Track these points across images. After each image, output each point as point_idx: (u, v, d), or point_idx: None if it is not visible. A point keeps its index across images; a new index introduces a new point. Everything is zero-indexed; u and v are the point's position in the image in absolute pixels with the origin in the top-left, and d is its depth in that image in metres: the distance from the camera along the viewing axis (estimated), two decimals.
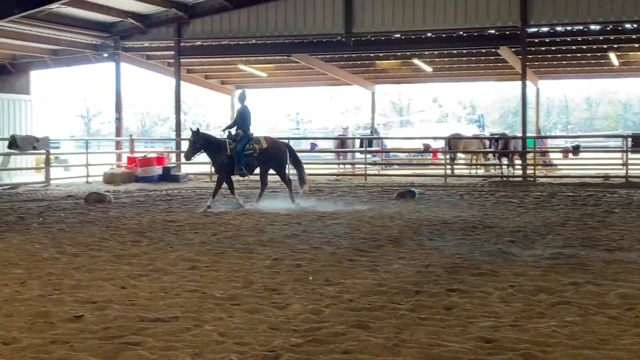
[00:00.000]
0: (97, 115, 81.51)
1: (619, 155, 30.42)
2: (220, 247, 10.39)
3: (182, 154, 21.81)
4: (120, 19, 27.68)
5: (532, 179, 24.45)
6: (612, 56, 29.88)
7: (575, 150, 30.71)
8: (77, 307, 6.80)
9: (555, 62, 32.69)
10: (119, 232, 12.17)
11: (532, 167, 26.25)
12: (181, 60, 28.93)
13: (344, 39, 26.35)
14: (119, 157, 29.05)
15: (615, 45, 28.19)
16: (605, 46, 28.27)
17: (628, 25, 25.10)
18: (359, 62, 33.23)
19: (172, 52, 28.73)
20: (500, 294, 7.24)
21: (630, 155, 26.33)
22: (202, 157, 17.53)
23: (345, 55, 30.36)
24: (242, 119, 16.59)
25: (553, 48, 28.84)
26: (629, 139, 26.74)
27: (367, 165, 28.65)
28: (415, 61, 31.20)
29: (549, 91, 70.19)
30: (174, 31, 27.97)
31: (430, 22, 25.43)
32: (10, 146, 23.10)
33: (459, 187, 22.13)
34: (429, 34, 26.45)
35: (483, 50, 28.88)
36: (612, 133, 58.22)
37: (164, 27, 28.22)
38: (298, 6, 26.44)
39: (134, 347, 5.59)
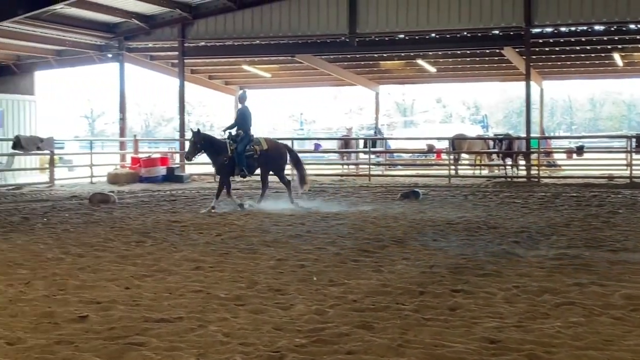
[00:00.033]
0: (101, 116, 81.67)
1: (623, 155, 30.35)
2: (224, 248, 10.39)
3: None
4: (124, 20, 27.72)
5: (536, 180, 24.42)
6: (616, 56, 29.85)
7: (579, 150, 30.66)
8: (81, 308, 6.81)
9: (559, 63, 32.67)
10: (123, 232, 12.18)
11: (536, 167, 26.23)
12: (185, 60, 28.97)
13: (348, 40, 26.36)
14: (123, 158, 29.10)
15: (620, 46, 28.16)
16: (609, 46, 28.24)
17: (632, 26, 25.06)
18: (362, 63, 33.24)
19: (176, 53, 28.76)
20: (505, 295, 7.23)
21: (635, 156, 26.29)
22: (206, 157, 17.51)
23: (349, 56, 30.38)
24: (242, 120, 16.59)
25: (557, 48, 28.81)
26: (633, 140, 26.72)
27: (371, 166, 28.62)
28: (419, 61, 31.21)
29: (552, 91, 70.06)
30: (178, 32, 28.02)
31: (434, 22, 25.44)
32: (14, 147, 23.14)
33: (463, 187, 22.11)
34: (433, 35, 26.45)
35: (487, 51, 28.88)
36: (616, 133, 58.15)
37: (168, 28, 28.26)
38: (302, 7, 26.46)
39: (139, 347, 5.60)
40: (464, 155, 30.28)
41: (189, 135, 19.10)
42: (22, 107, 29.53)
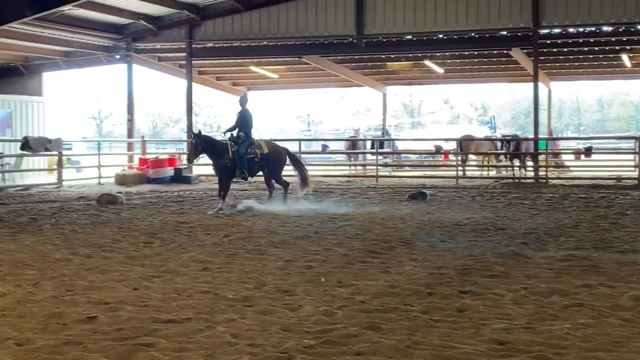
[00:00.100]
0: (109, 117, 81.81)
1: (631, 157, 30.33)
2: (232, 249, 10.40)
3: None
4: (132, 21, 27.76)
5: (544, 181, 24.36)
6: (625, 57, 29.78)
7: (588, 151, 30.60)
8: (90, 308, 6.82)
9: (567, 64, 32.58)
10: (131, 233, 12.20)
11: (544, 168, 26.17)
12: (193, 61, 28.98)
13: (355, 41, 26.34)
14: (130, 159, 29.14)
15: (628, 47, 28.08)
16: (617, 47, 28.17)
17: None
18: (370, 64, 33.23)
19: (184, 54, 28.77)
20: (513, 296, 7.22)
21: None
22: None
23: (356, 57, 30.38)
24: (243, 122, 16.62)
25: (565, 49, 28.73)
26: None
27: (379, 167, 28.62)
28: (427, 62, 31.16)
29: (560, 92, 69.96)
30: (185, 33, 28.05)
31: (442, 23, 25.40)
32: (22, 147, 23.19)
33: (470, 188, 22.08)
34: (441, 36, 26.40)
35: (495, 52, 28.82)
36: (624, 135, 58.00)
37: (175, 29, 28.28)
38: (309, 8, 26.46)
39: (147, 348, 5.61)
40: (471, 157, 30.23)
41: None
42: (30, 108, 29.60)
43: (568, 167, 30.90)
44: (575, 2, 24.13)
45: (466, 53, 29.37)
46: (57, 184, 23.75)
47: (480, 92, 77.72)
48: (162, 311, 6.71)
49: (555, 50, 28.52)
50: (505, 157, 28.14)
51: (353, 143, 33.51)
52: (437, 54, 29.79)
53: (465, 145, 28.03)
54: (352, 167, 33.26)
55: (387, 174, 30.01)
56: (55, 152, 24.54)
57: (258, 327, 6.18)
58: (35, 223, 13.78)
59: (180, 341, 5.78)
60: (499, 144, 28.90)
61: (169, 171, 25.65)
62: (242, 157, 16.21)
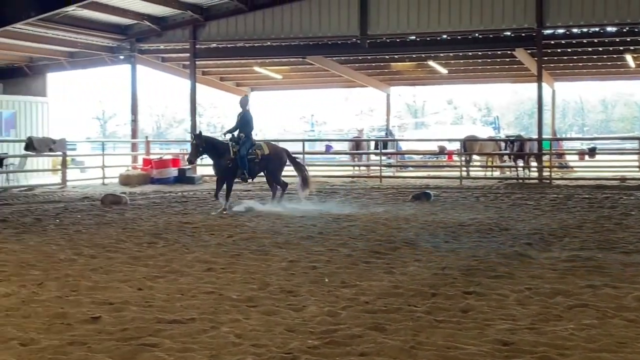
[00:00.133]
0: (112, 117, 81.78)
1: (635, 157, 30.28)
2: (236, 249, 10.40)
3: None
4: (136, 22, 27.78)
5: (548, 181, 24.35)
6: (629, 58, 29.72)
7: (592, 152, 30.57)
8: (94, 309, 6.83)
9: (571, 64, 32.53)
10: (135, 233, 12.21)
11: (548, 169, 26.14)
12: (196, 62, 29.00)
13: (359, 41, 26.33)
14: (134, 159, 29.17)
15: (632, 47, 28.02)
16: (621, 48, 28.13)
17: None
18: (373, 64, 33.23)
19: (188, 54, 28.79)
20: (517, 297, 7.22)
21: None
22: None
23: (360, 57, 30.38)
24: (244, 123, 16.63)
25: (569, 50, 28.69)
26: None
27: (382, 167, 28.61)
28: (431, 63, 31.14)
29: (564, 93, 69.97)
30: (189, 33, 28.05)
31: (446, 24, 25.37)
32: (27, 148, 23.22)
33: (474, 189, 22.07)
34: (444, 36, 26.38)
35: (498, 52, 28.80)
36: (628, 135, 57.92)
37: (179, 30, 28.30)
38: (313, 8, 26.45)
39: (151, 348, 5.62)
40: (475, 157, 30.20)
41: None
42: (34, 109, 29.65)
43: (572, 167, 30.88)
44: (579, 2, 24.09)
45: (470, 53, 29.34)
46: (61, 185, 23.77)
47: (483, 92, 77.69)
48: (167, 311, 6.72)
49: (559, 50, 28.48)
50: (509, 158, 28.12)
51: (357, 143, 33.49)
52: (441, 55, 29.76)
53: (469, 145, 28.01)
54: (356, 168, 33.24)
55: (391, 174, 30.01)
56: (60, 153, 24.56)
57: (262, 327, 6.18)
58: (39, 223, 13.80)
59: (184, 341, 5.79)
60: (502, 144, 28.88)
61: (173, 172, 25.67)
62: (243, 158, 16.24)
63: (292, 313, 6.68)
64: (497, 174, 28.89)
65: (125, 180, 24.91)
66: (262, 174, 17.12)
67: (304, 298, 7.27)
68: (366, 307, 6.86)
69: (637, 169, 26.63)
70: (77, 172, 29.44)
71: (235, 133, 16.58)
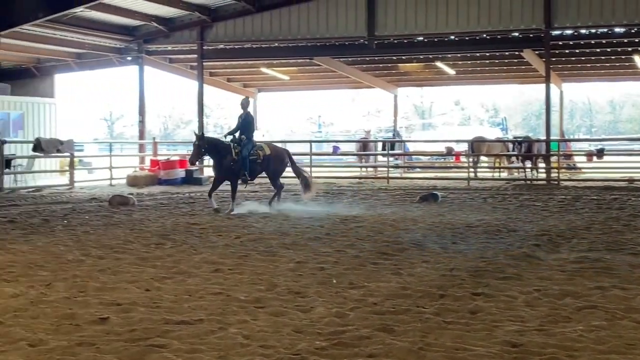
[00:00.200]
0: (120, 118, 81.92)
1: None
2: (243, 250, 10.40)
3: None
4: (143, 23, 27.81)
5: (556, 182, 24.29)
6: (637, 59, 29.63)
7: (600, 153, 30.48)
8: (102, 310, 6.84)
9: (579, 65, 32.46)
10: (142, 234, 12.22)
11: (556, 170, 26.07)
12: (204, 63, 29.03)
13: (366, 42, 26.32)
14: (142, 160, 29.21)
15: None
16: (629, 49, 28.06)
17: None
18: (381, 65, 33.20)
19: (195, 56, 28.84)
20: (526, 298, 7.20)
21: None
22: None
23: (367, 58, 30.38)
24: (245, 125, 16.66)
25: (577, 51, 28.62)
26: None
27: (390, 168, 28.58)
28: (438, 64, 31.12)
29: (572, 94, 69.79)
30: (196, 34, 28.08)
31: (454, 24, 25.33)
32: (34, 149, 23.29)
33: (482, 190, 22.04)
34: (452, 37, 26.33)
35: (506, 53, 28.76)
36: (637, 136, 57.75)
37: (187, 31, 28.32)
38: (321, 9, 26.44)
39: (160, 349, 5.62)
40: (483, 158, 30.14)
41: None
42: (42, 110, 29.71)
43: (580, 168, 30.79)
44: (587, 3, 24.03)
45: (477, 54, 29.31)
46: (68, 186, 23.81)
47: (491, 93, 77.56)
48: (174, 312, 6.72)
49: (567, 51, 28.42)
50: (517, 159, 28.06)
51: (364, 144, 33.45)
52: (449, 56, 29.72)
53: (476, 146, 27.98)
54: (363, 169, 33.21)
55: (398, 175, 29.96)
56: (67, 154, 24.60)
57: (270, 328, 6.18)
58: (47, 224, 13.82)
59: (192, 342, 5.79)
60: (510, 145, 28.82)
61: (180, 172, 25.70)
62: (244, 159, 16.27)
63: (299, 314, 6.67)
64: (504, 175, 28.84)
65: (133, 181, 24.94)
66: (262, 174, 17.14)
67: (311, 299, 7.26)
68: (374, 309, 6.85)
69: None
70: (85, 173, 29.51)
71: (236, 135, 16.60)
